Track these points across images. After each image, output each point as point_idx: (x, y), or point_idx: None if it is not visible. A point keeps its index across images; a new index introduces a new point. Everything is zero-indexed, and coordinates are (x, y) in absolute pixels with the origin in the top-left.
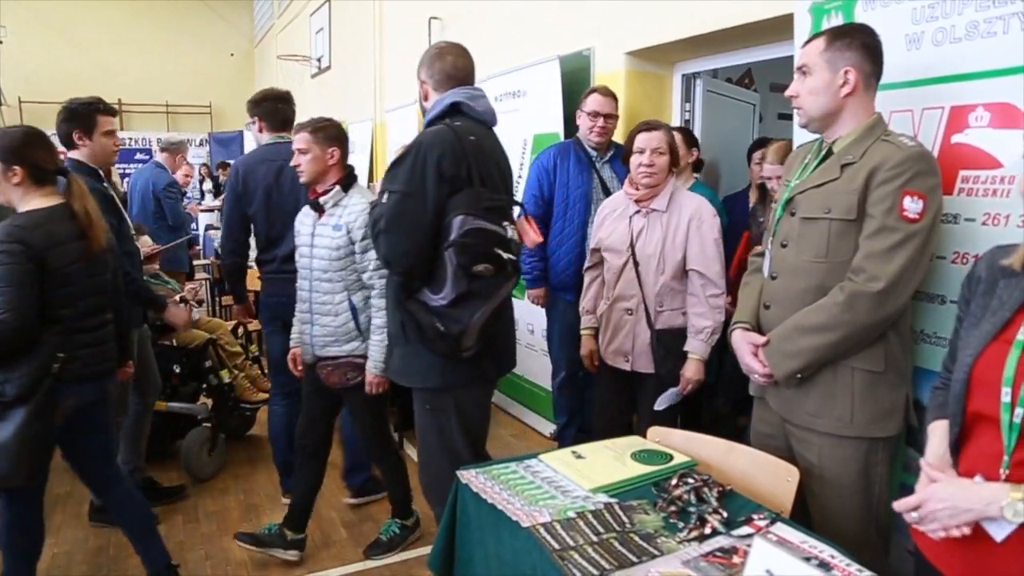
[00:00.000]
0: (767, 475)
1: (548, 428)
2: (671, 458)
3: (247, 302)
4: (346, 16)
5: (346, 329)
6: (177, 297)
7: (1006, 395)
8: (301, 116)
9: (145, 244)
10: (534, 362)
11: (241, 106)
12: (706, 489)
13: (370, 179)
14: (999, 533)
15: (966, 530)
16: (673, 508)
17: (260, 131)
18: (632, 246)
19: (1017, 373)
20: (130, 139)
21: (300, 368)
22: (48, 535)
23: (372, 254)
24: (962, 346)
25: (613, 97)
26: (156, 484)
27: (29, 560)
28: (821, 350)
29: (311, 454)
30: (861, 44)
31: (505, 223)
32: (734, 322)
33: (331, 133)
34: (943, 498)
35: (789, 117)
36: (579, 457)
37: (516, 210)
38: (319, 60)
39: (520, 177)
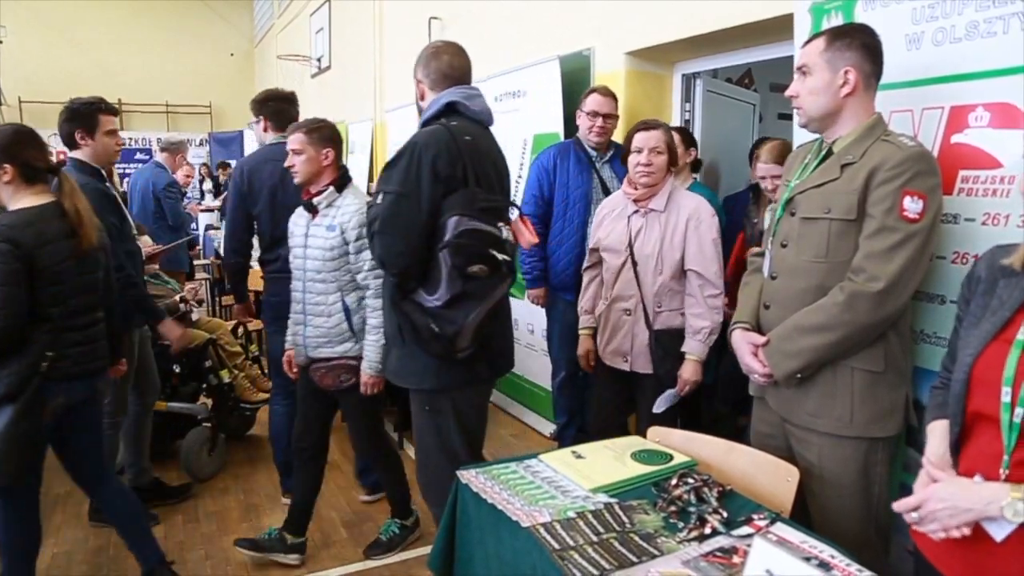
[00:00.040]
0: (767, 475)
1: (548, 428)
2: (671, 458)
3: (247, 302)
4: (346, 16)
5: (339, 330)
6: (177, 297)
7: (1006, 395)
8: (301, 116)
9: (145, 244)
10: (534, 362)
11: (241, 106)
12: (706, 489)
13: (370, 179)
14: (999, 533)
15: (966, 531)
16: (673, 508)
17: (265, 131)
18: (630, 246)
19: (1017, 373)
20: (130, 139)
21: (295, 370)
22: (48, 535)
23: (366, 254)
24: (962, 346)
25: (613, 97)
26: (163, 484)
27: (28, 559)
28: (821, 350)
29: (309, 457)
30: (861, 44)
31: (500, 224)
32: (734, 322)
33: (326, 134)
34: (943, 498)
35: (789, 117)
36: (579, 457)
37: (513, 210)
38: (319, 60)
39: (520, 177)
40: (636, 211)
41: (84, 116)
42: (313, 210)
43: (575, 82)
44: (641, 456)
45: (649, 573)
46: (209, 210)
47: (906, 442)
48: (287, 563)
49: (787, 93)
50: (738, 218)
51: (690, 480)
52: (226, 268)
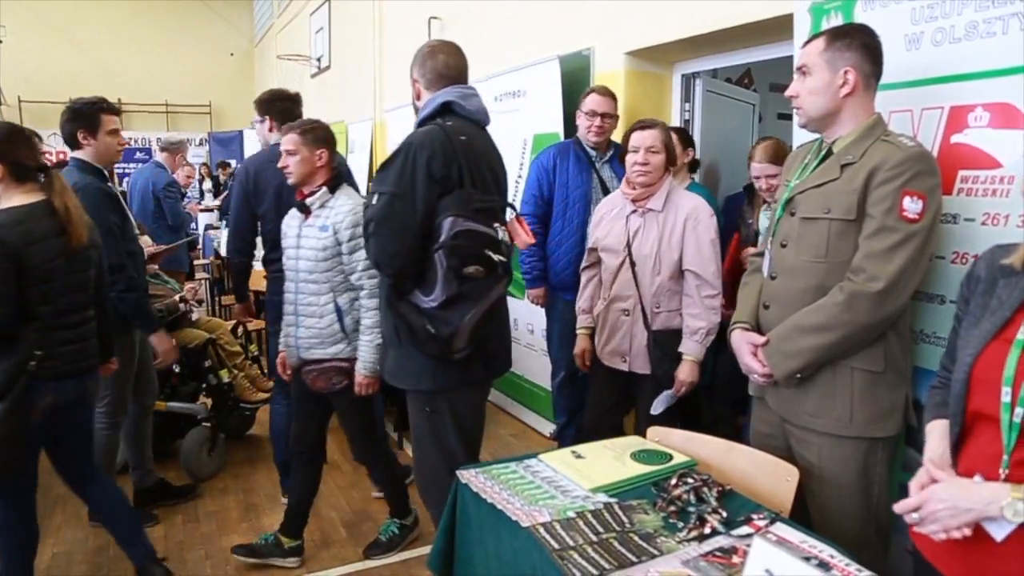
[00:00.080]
0: (767, 475)
1: (548, 428)
2: (671, 458)
3: (248, 302)
4: (346, 16)
5: (331, 331)
6: (177, 297)
7: (1006, 395)
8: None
9: (145, 244)
10: (534, 362)
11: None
12: (706, 489)
13: (370, 179)
14: (999, 533)
15: (967, 531)
16: (673, 508)
17: (271, 130)
18: (628, 246)
19: (1017, 373)
20: (130, 139)
21: (288, 372)
22: (48, 535)
23: (360, 254)
24: (962, 345)
25: (611, 96)
26: (167, 484)
27: (25, 560)
28: (821, 350)
29: (307, 460)
30: (861, 44)
31: (496, 224)
32: (733, 322)
33: (320, 135)
34: (943, 498)
35: (789, 117)
36: (579, 457)
37: (508, 211)
38: (319, 60)
39: (520, 177)
40: (634, 211)
41: (86, 116)
42: (306, 211)
43: (575, 82)
44: (641, 456)
45: (649, 573)
46: (209, 210)
47: (906, 442)
48: (286, 566)
49: (787, 93)
50: (735, 219)
51: (690, 480)
52: (230, 268)
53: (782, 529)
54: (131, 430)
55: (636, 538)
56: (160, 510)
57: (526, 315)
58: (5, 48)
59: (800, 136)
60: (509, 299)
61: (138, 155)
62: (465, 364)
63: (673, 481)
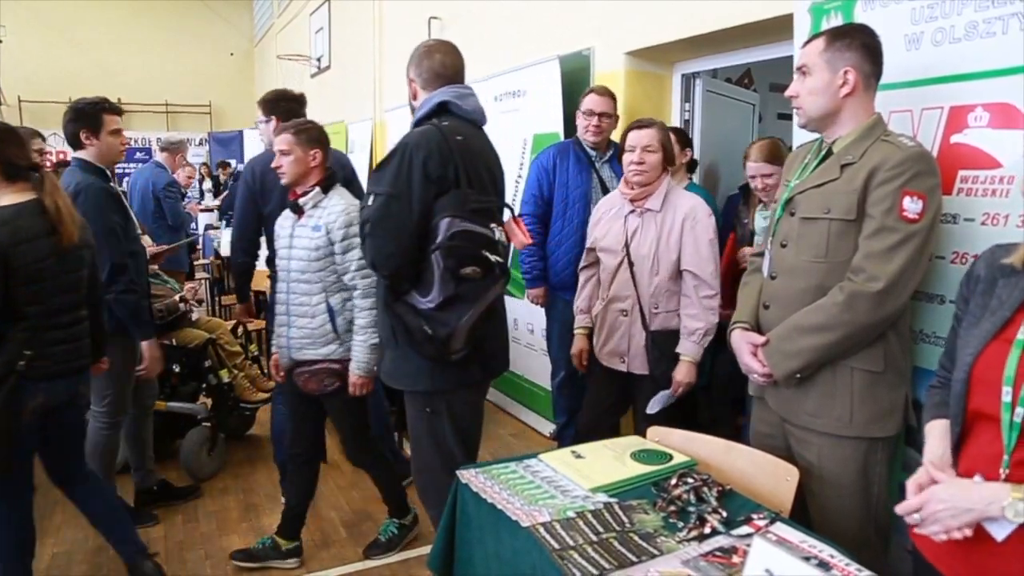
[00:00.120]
0: (766, 475)
1: (548, 428)
2: (671, 458)
3: (249, 302)
4: (346, 16)
5: (323, 331)
6: (177, 297)
7: (1007, 394)
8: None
9: (145, 244)
10: (534, 362)
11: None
12: (705, 489)
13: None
14: (1000, 533)
15: (968, 531)
16: (673, 508)
17: (275, 131)
18: (627, 246)
19: (1018, 372)
20: (130, 139)
21: (282, 374)
22: (48, 535)
23: (353, 254)
24: (962, 345)
25: (610, 96)
26: (169, 485)
27: (23, 560)
28: (821, 350)
29: (303, 462)
30: (861, 44)
31: (493, 225)
32: (733, 322)
33: (313, 135)
34: (944, 499)
35: (789, 117)
36: (579, 457)
37: (505, 211)
38: (319, 60)
39: (520, 177)
40: (632, 211)
41: (89, 116)
42: (299, 211)
43: (575, 82)
44: (641, 456)
45: (649, 573)
46: (209, 210)
47: (905, 442)
48: (286, 567)
49: (787, 93)
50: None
51: (690, 480)
52: (233, 267)
53: (782, 529)
54: (131, 430)
55: (636, 538)
56: (160, 510)
57: (526, 315)
58: (5, 48)
59: (800, 136)
60: (509, 299)
61: (138, 155)
62: (462, 365)
63: (673, 481)
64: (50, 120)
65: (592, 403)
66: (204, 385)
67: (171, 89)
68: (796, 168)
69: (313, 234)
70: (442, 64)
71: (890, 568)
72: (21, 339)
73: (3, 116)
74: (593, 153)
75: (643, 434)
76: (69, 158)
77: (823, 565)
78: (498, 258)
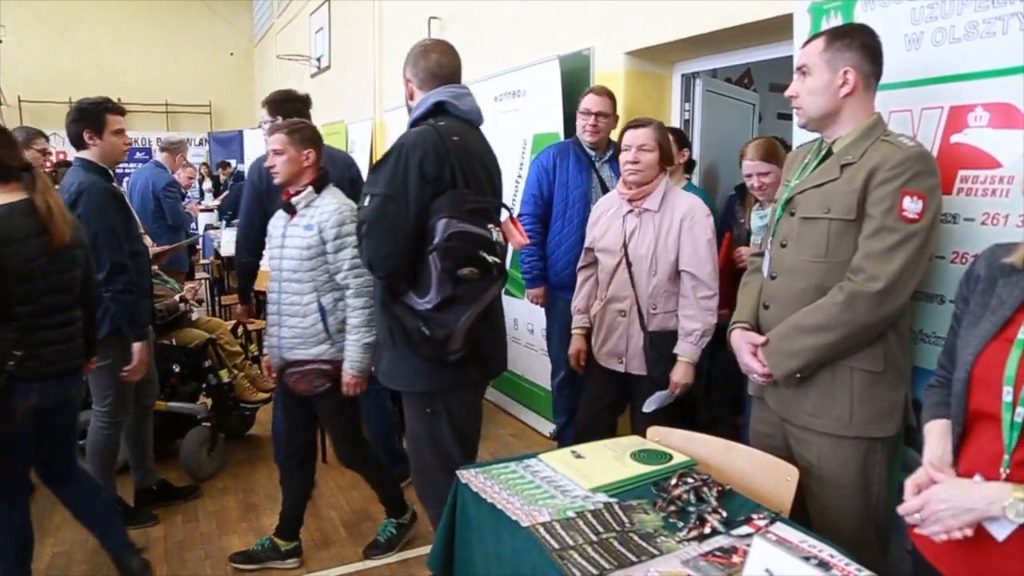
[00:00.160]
0: (766, 475)
1: (548, 428)
2: (671, 458)
3: (251, 303)
4: (346, 16)
5: (314, 331)
6: (177, 297)
7: (1007, 394)
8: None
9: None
10: (534, 362)
11: (241, 106)
12: (705, 489)
13: None
14: (1000, 533)
15: (968, 531)
16: (673, 508)
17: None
18: (625, 246)
19: (1018, 372)
20: (130, 139)
21: (273, 375)
22: (48, 535)
23: (345, 254)
24: (962, 345)
25: (608, 96)
26: (169, 485)
27: (22, 561)
28: (820, 350)
29: (297, 462)
30: (861, 44)
31: (490, 225)
32: (733, 322)
33: (307, 135)
34: (944, 499)
35: (788, 117)
36: (579, 457)
37: (503, 212)
38: (319, 60)
39: (520, 177)
40: (631, 211)
41: (92, 116)
42: (292, 210)
43: (575, 82)
44: (641, 456)
45: (649, 573)
46: (209, 210)
47: (905, 442)
48: (286, 568)
49: (787, 93)
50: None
51: (690, 480)
52: (238, 268)
53: (782, 529)
54: (131, 430)
55: (636, 538)
56: (160, 510)
57: (526, 315)
58: (5, 48)
59: (800, 136)
60: (509, 299)
61: (138, 155)
62: (460, 366)
63: (673, 481)
64: (50, 120)
65: (589, 403)
66: (204, 385)
67: (171, 89)
68: (796, 168)
69: (305, 233)
70: (438, 64)
71: (890, 568)
72: (11, 339)
73: (3, 116)
74: (593, 153)
75: (641, 434)
76: (70, 158)
77: (823, 565)
78: (496, 259)
